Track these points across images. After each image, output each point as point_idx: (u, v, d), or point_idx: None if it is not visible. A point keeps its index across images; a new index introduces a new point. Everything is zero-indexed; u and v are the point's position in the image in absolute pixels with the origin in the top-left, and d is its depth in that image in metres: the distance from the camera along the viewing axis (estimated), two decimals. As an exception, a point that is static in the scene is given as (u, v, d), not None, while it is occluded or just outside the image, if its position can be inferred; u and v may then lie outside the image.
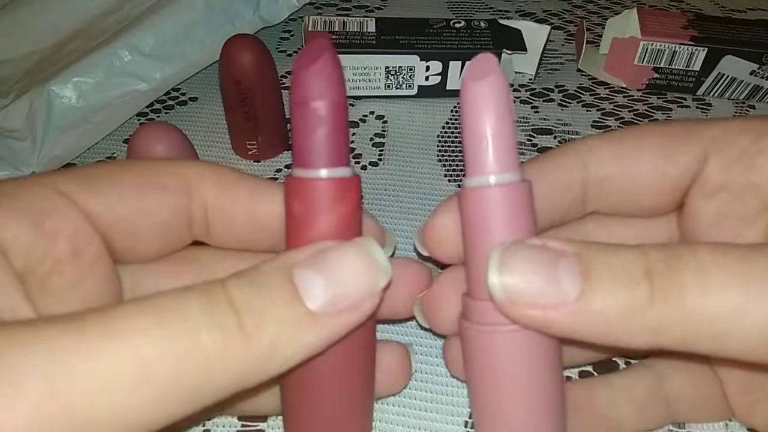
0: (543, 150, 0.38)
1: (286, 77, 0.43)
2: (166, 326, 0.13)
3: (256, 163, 0.37)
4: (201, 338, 0.14)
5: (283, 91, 0.37)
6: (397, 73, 0.40)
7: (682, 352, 0.16)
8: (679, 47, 0.40)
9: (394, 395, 0.25)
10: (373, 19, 0.41)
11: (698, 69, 0.40)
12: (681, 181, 0.20)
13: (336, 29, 0.40)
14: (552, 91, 0.43)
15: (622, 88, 0.43)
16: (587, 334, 0.16)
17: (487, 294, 0.17)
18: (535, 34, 0.40)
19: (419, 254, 0.23)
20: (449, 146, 0.38)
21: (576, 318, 0.16)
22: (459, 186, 0.35)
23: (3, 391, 0.12)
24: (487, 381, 0.19)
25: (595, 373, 0.26)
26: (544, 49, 0.41)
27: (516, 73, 0.42)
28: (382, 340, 0.21)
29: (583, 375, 0.26)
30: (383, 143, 0.38)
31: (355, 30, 0.40)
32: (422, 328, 0.24)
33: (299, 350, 0.15)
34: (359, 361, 0.19)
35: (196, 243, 0.21)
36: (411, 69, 0.39)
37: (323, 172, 0.17)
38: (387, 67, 0.39)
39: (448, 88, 0.40)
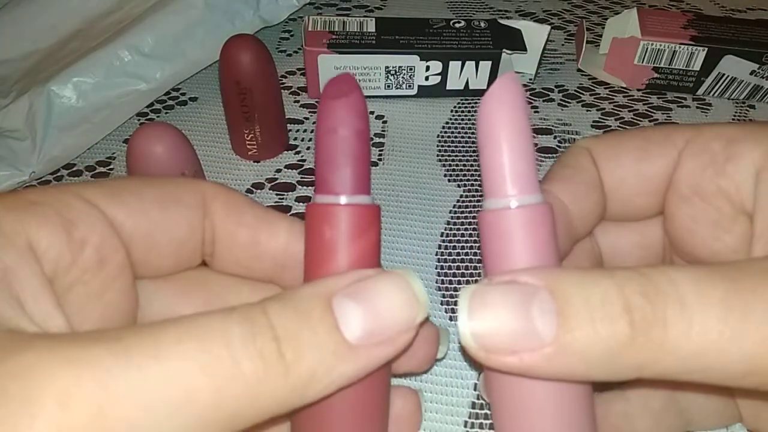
0: (543, 150, 0.38)
1: (286, 77, 0.43)
2: (210, 353, 0.13)
3: (255, 163, 0.37)
4: (242, 366, 0.14)
5: (282, 91, 0.37)
6: (397, 73, 0.40)
7: (665, 381, 0.16)
8: (679, 47, 0.40)
9: None
10: (373, 19, 0.41)
11: (698, 69, 0.40)
12: (658, 184, 0.21)
13: (336, 29, 0.40)
14: (552, 91, 0.43)
15: (622, 88, 0.43)
16: (567, 374, 0.16)
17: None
18: (535, 34, 0.40)
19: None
20: (449, 146, 0.38)
21: (554, 361, 0.15)
22: (458, 186, 0.35)
23: (51, 411, 0.12)
24: (511, 418, 0.18)
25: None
26: (544, 49, 0.41)
27: (516, 73, 0.42)
28: (393, 386, 0.21)
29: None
30: (383, 143, 0.38)
31: (355, 30, 0.40)
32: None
33: (335, 380, 0.15)
34: (376, 401, 0.19)
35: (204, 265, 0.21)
36: (411, 69, 0.39)
37: (358, 198, 0.18)
38: (387, 67, 0.39)
39: (447, 88, 0.41)
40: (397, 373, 0.21)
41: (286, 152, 0.38)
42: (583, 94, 0.42)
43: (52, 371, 0.12)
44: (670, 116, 0.41)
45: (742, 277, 0.15)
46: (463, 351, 0.23)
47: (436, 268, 0.31)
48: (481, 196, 0.35)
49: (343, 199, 0.18)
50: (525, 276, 0.16)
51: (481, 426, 0.25)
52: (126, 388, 0.12)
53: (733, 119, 0.40)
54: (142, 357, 0.13)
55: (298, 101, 0.41)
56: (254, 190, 0.35)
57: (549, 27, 0.40)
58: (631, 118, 0.40)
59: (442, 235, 0.33)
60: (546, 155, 0.37)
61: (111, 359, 0.13)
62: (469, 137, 0.39)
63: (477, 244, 0.32)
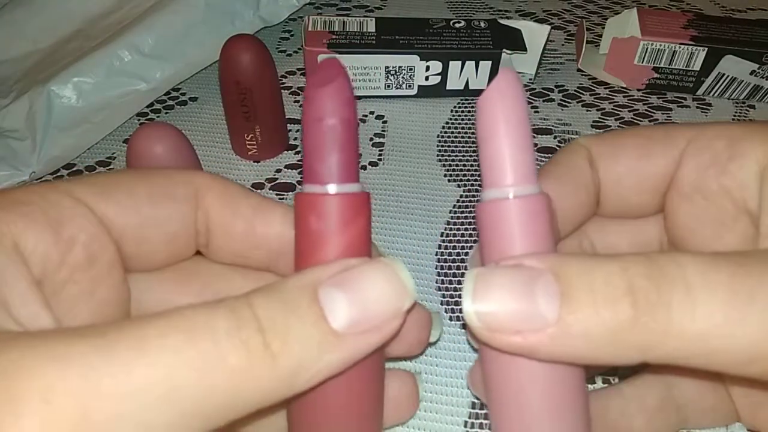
0: (543, 150, 0.38)
1: (286, 77, 0.43)
2: (196, 346, 0.13)
3: (255, 163, 0.37)
4: (228, 358, 0.14)
5: (282, 91, 0.37)
6: (397, 73, 0.40)
7: (670, 365, 0.16)
8: (679, 47, 0.40)
9: (400, 425, 0.24)
10: (373, 19, 0.41)
11: (698, 69, 0.40)
12: (659, 183, 0.21)
13: (336, 29, 0.40)
14: (552, 91, 0.43)
15: (622, 88, 0.43)
16: (572, 355, 0.16)
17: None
18: (535, 34, 0.40)
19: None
20: (449, 146, 0.38)
21: (558, 341, 0.15)
22: (458, 186, 0.35)
23: (36, 408, 0.12)
24: (509, 404, 0.18)
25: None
26: (544, 49, 0.41)
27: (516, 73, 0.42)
28: (390, 369, 0.21)
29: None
30: (383, 143, 0.38)
31: (355, 30, 0.40)
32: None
33: (323, 369, 0.15)
34: (369, 387, 0.19)
35: (199, 253, 0.21)
36: (411, 69, 0.39)
37: (344, 187, 0.18)
38: (387, 67, 0.39)
39: (448, 88, 0.41)
40: (389, 356, 0.21)
41: (286, 152, 0.38)
42: (583, 94, 0.42)
43: (37, 368, 0.12)
44: (670, 116, 0.41)
45: (748, 262, 0.15)
46: (468, 333, 0.23)
47: (436, 268, 0.31)
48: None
49: (329, 188, 0.18)
50: (530, 260, 0.16)
51: (481, 426, 0.25)
52: (111, 384, 0.12)
53: (733, 119, 0.40)
54: (127, 352, 0.13)
55: (298, 101, 0.41)
56: (254, 190, 0.35)
57: (549, 27, 0.40)
58: (631, 118, 0.40)
59: (442, 235, 0.33)
60: (546, 155, 0.37)
61: (95, 355, 0.13)
62: (469, 137, 0.39)
63: (477, 244, 0.32)
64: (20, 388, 0.12)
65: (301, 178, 0.36)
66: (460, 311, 0.29)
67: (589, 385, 0.26)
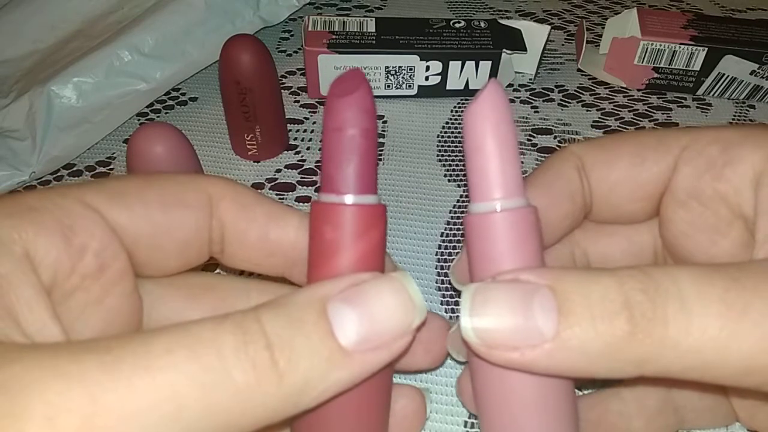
0: (543, 150, 0.38)
1: (285, 77, 0.43)
2: (201, 362, 0.13)
3: (255, 163, 0.37)
4: (233, 375, 0.14)
5: (282, 91, 0.37)
6: (397, 73, 0.40)
7: (667, 378, 0.16)
8: (679, 47, 0.40)
9: None
10: (373, 19, 0.41)
11: (698, 69, 0.40)
12: (653, 190, 0.21)
13: (336, 29, 0.40)
14: (552, 91, 0.43)
15: (622, 88, 0.43)
16: (569, 370, 0.16)
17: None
18: (535, 34, 0.40)
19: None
20: (449, 146, 0.38)
21: (555, 356, 0.15)
22: (458, 186, 0.35)
23: (39, 425, 0.12)
24: (501, 414, 0.18)
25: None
26: (544, 49, 0.41)
27: (516, 73, 0.42)
28: (398, 384, 0.21)
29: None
30: (383, 143, 0.38)
31: (355, 30, 0.40)
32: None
33: (330, 387, 0.15)
34: (375, 404, 0.19)
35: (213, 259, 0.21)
36: (411, 69, 0.39)
37: (362, 198, 0.17)
38: (387, 67, 0.39)
39: (448, 88, 0.41)
40: (411, 370, 0.21)
41: (286, 152, 0.38)
42: (583, 94, 0.42)
43: (40, 384, 0.12)
44: (670, 116, 0.41)
45: (742, 276, 0.15)
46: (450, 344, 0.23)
47: (436, 268, 0.31)
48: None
49: (345, 199, 0.17)
50: (527, 274, 0.16)
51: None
52: (115, 401, 0.12)
53: (733, 119, 0.40)
54: (133, 368, 0.13)
55: (298, 101, 0.41)
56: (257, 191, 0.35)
57: (549, 27, 0.40)
58: (631, 118, 0.40)
59: (442, 235, 0.33)
60: (546, 155, 0.37)
61: (100, 371, 0.12)
62: (469, 137, 0.39)
63: (459, 255, 0.32)
64: (23, 403, 0.12)
65: (301, 178, 0.36)
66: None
67: (590, 386, 0.26)
